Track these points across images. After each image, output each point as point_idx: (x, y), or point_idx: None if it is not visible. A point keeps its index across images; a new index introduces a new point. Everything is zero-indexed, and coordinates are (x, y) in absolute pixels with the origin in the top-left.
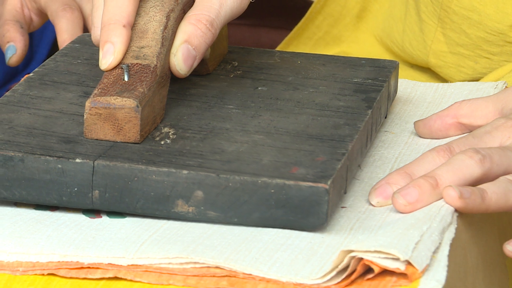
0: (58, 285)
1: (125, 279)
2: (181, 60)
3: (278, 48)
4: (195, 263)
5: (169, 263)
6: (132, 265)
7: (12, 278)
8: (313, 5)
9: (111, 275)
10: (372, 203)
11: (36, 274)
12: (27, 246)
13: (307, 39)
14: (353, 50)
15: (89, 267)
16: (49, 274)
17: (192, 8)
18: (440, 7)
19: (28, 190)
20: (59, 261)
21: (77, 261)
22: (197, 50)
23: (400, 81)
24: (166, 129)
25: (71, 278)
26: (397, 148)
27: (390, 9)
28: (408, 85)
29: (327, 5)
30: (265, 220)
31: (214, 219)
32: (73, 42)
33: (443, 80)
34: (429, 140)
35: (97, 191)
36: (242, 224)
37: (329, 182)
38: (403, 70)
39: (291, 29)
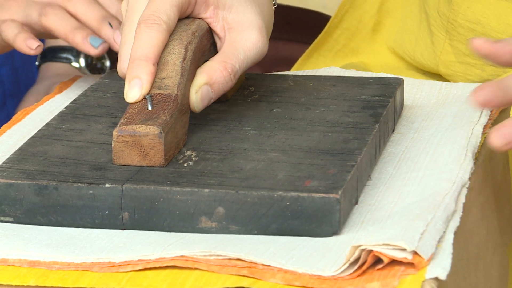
0: (90, 277)
1: (153, 269)
2: (199, 99)
3: (299, 61)
4: (217, 255)
5: (194, 255)
6: (160, 257)
7: (47, 271)
8: (331, 20)
9: (140, 267)
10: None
11: (70, 270)
12: (63, 253)
13: (327, 51)
14: (370, 61)
15: (120, 265)
16: (82, 270)
17: (220, 52)
18: (447, 20)
19: (63, 216)
20: (92, 262)
21: (109, 261)
22: (215, 93)
23: (406, 79)
24: (188, 152)
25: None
26: (403, 143)
27: (403, 23)
28: (414, 84)
29: (344, 19)
30: (283, 230)
31: (235, 232)
32: (102, 78)
33: None
34: (433, 131)
35: (126, 213)
36: (261, 235)
37: (340, 192)
38: (416, 77)
39: (307, 42)
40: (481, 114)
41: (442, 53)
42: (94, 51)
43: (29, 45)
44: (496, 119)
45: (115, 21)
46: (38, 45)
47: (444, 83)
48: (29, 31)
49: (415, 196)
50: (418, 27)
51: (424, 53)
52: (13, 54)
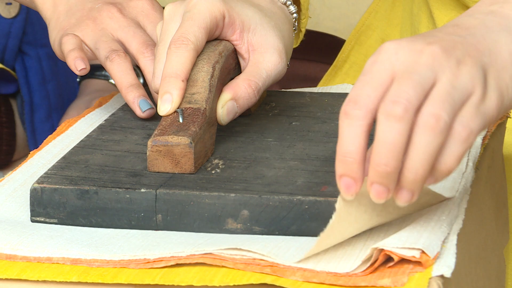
0: (127, 273)
1: (184, 265)
2: (225, 113)
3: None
4: (242, 255)
5: (221, 253)
6: (190, 255)
7: (88, 268)
8: (338, 55)
9: (172, 263)
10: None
11: (109, 267)
12: (103, 252)
13: (338, 84)
14: None
15: (154, 261)
16: (120, 267)
17: (244, 71)
18: None
19: (102, 218)
20: (129, 259)
21: (145, 258)
22: (240, 108)
23: None
24: (216, 161)
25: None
26: None
27: None
28: None
29: (351, 54)
30: (301, 231)
31: (258, 233)
32: None
33: None
34: None
35: (160, 215)
36: (282, 235)
37: None
38: None
39: (321, 62)
40: None
41: None
42: (140, 114)
43: (76, 65)
44: (494, 131)
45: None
46: (83, 68)
47: None
48: (83, 51)
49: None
50: None
51: None
52: (58, 71)
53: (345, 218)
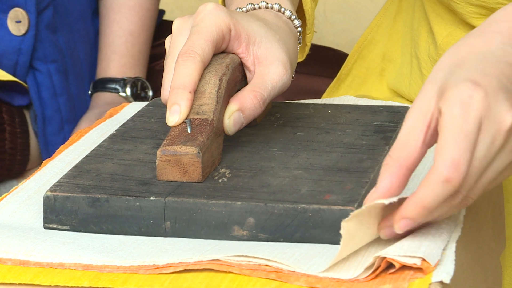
0: (137, 278)
1: (192, 270)
2: (232, 124)
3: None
4: (248, 261)
5: (228, 259)
6: (198, 261)
7: (99, 274)
8: (342, 69)
9: (181, 269)
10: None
11: (119, 273)
12: (113, 257)
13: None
14: (377, 98)
15: (163, 267)
16: (130, 272)
17: (250, 83)
18: (436, 63)
19: (113, 225)
20: (139, 265)
21: (154, 264)
22: (246, 119)
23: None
24: (223, 170)
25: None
26: None
27: (399, 68)
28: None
29: (354, 68)
30: (305, 238)
31: (264, 239)
32: (147, 105)
33: None
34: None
35: (168, 222)
36: (287, 242)
37: (355, 205)
38: None
39: (327, 76)
40: None
41: None
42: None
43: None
44: None
45: None
46: None
47: None
48: None
49: None
50: (410, 72)
51: (417, 93)
52: (69, 85)
53: (352, 238)
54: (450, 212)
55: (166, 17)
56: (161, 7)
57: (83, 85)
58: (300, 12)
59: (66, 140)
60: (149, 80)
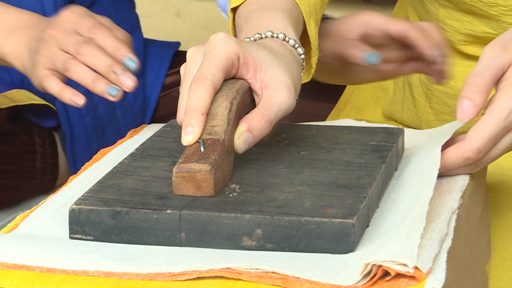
0: (154, 285)
1: (205, 278)
2: (241, 143)
3: None
4: (256, 269)
5: (238, 267)
6: (210, 269)
7: (120, 280)
8: (340, 98)
9: (194, 276)
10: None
11: (138, 280)
12: (133, 266)
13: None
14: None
15: (179, 274)
16: (148, 279)
17: (258, 106)
18: (426, 87)
19: (132, 235)
20: (156, 273)
21: (170, 272)
22: (254, 139)
23: (405, 130)
24: (233, 185)
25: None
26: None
27: (393, 95)
28: (412, 133)
29: (352, 98)
30: (308, 248)
31: (270, 249)
32: (164, 126)
33: None
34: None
35: (183, 234)
36: (291, 252)
37: (355, 218)
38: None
39: (329, 101)
40: None
41: (424, 114)
42: (112, 99)
43: (75, 101)
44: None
45: (119, 68)
46: (84, 102)
47: (431, 129)
48: (70, 87)
49: (408, 207)
50: (402, 98)
51: (409, 116)
52: (94, 105)
53: None
54: (464, 171)
55: (181, 47)
56: (176, 39)
57: (110, 103)
58: (305, 36)
59: (91, 157)
60: (166, 105)
